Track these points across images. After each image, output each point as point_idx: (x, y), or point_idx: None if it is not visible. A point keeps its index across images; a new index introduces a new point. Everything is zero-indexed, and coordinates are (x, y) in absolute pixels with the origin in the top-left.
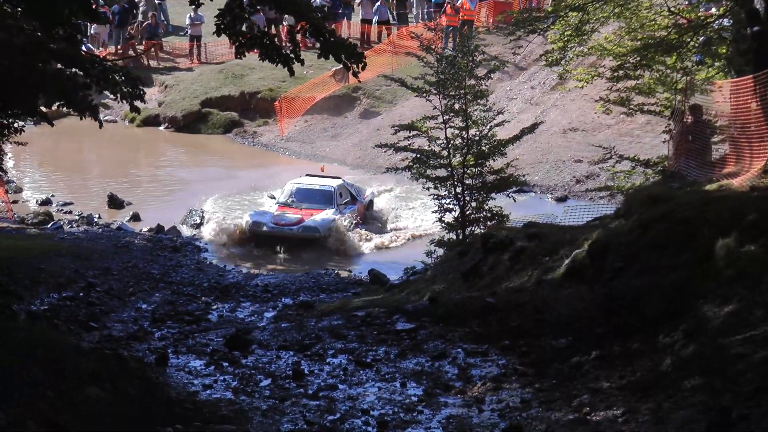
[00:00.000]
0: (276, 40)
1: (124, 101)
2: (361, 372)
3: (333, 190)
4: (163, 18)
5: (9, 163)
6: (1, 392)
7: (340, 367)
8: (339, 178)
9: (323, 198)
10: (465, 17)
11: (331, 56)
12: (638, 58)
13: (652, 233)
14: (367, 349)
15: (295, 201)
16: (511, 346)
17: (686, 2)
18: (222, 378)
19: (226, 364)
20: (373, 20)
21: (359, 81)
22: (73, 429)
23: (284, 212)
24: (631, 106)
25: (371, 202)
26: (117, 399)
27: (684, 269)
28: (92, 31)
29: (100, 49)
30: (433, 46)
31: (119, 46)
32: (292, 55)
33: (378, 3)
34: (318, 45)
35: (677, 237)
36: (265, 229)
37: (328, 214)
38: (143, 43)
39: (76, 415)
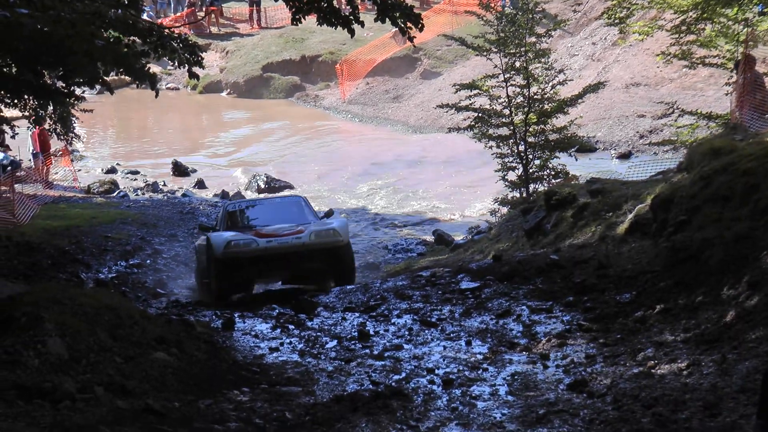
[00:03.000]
0: (334, 2)
1: (182, 67)
2: (426, 331)
3: (302, 199)
4: None
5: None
6: (70, 358)
7: (405, 327)
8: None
9: (294, 211)
10: None
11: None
12: (699, 12)
13: (714, 186)
14: (431, 309)
15: (253, 222)
16: (575, 302)
17: None
18: (288, 341)
19: (292, 326)
20: None
21: (414, 45)
22: (140, 393)
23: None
24: (693, 59)
25: None
26: (184, 363)
27: (747, 221)
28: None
29: (162, 16)
30: (492, 4)
31: (180, 14)
32: (351, 17)
33: None
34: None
35: (740, 188)
36: (256, 245)
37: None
38: (203, 9)
39: (142, 379)
